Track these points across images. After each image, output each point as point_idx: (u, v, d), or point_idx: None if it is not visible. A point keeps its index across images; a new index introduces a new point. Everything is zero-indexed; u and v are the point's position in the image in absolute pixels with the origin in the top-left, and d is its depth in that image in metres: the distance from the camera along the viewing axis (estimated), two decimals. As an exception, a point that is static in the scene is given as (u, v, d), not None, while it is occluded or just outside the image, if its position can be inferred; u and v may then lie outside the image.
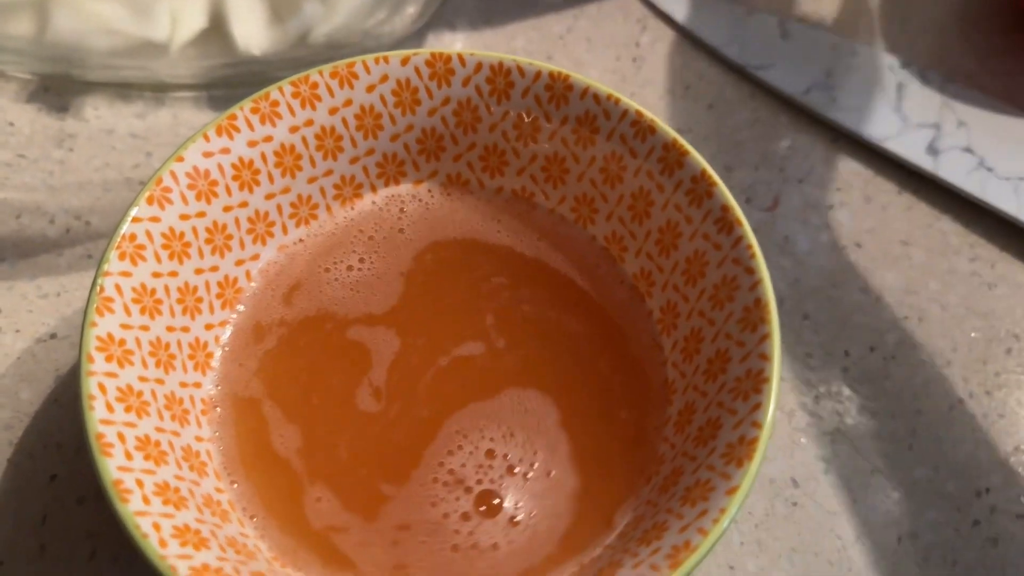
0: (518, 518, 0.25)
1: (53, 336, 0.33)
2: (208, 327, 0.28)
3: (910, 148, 0.38)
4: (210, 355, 0.28)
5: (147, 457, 0.23)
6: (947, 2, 0.44)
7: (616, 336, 0.29)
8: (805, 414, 0.32)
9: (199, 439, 0.26)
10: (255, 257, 0.29)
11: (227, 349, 0.28)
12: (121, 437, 0.23)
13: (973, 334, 0.34)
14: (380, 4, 0.39)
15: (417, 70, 0.29)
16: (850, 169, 0.38)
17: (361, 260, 0.30)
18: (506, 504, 0.26)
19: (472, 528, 0.25)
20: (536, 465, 0.26)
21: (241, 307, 0.29)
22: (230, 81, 0.39)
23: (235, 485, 0.26)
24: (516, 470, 0.26)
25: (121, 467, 0.22)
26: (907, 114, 0.39)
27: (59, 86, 0.39)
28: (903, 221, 0.37)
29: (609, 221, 0.30)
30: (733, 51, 0.41)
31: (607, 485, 0.26)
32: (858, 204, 0.37)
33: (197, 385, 0.27)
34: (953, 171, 0.37)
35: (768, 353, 0.24)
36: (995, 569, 0.30)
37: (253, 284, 0.29)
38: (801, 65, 0.40)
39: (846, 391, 0.33)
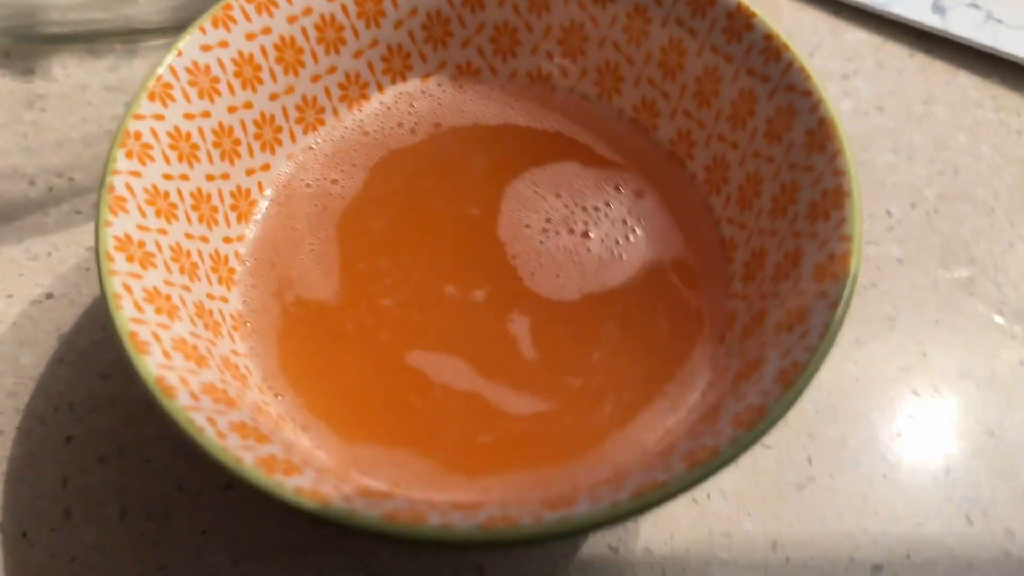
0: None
1: (49, 296, 0.31)
2: (227, 240, 0.26)
3: (915, 10, 0.37)
4: (232, 271, 0.25)
5: (187, 358, 0.21)
6: None
7: (658, 212, 0.27)
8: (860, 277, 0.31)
9: (235, 353, 0.24)
10: (266, 167, 0.27)
11: (248, 264, 0.26)
12: (156, 337, 0.20)
13: (1012, 180, 0.33)
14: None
15: (417, -56, 0.27)
16: (858, 39, 0.37)
17: (373, 167, 0.28)
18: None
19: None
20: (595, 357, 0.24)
21: (257, 218, 0.27)
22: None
23: (280, 398, 0.24)
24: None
25: (161, 365, 0.20)
26: (906, -21, 0.38)
27: (22, 51, 0.36)
28: (920, 82, 0.36)
29: (637, 86, 0.28)
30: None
31: (672, 370, 0.24)
32: (872, 71, 0.36)
33: (224, 300, 0.25)
34: (963, 27, 0.36)
35: (843, 168, 0.22)
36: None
37: (266, 198, 0.27)
38: (791, -55, 0.39)
39: (895, 250, 0.31)
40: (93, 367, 0.29)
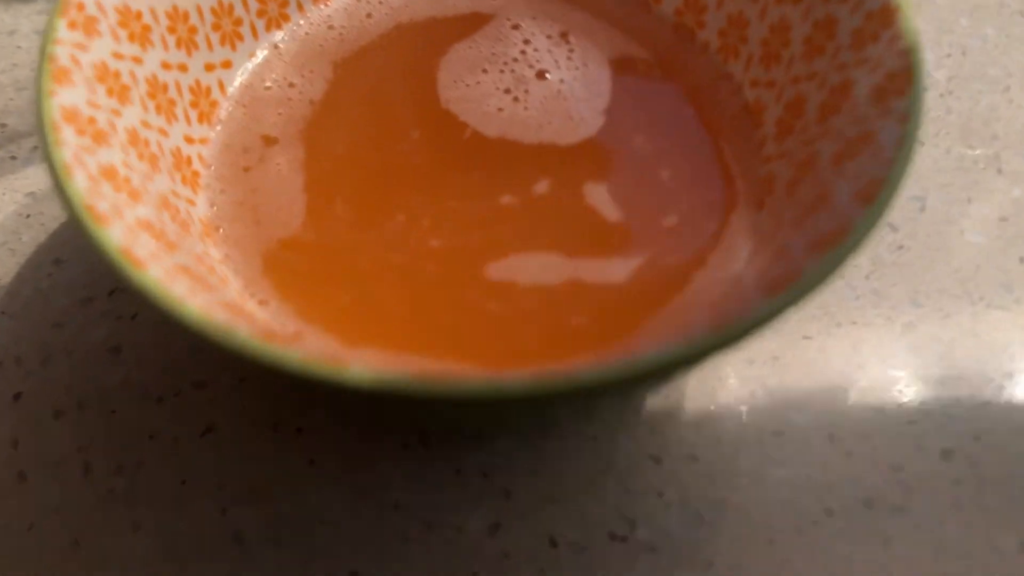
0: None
1: (-16, 245, 0.27)
2: (188, 140, 0.22)
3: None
4: (196, 173, 0.22)
5: (156, 238, 0.18)
6: None
7: (670, 92, 0.24)
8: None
9: (208, 256, 0.20)
10: (226, 64, 0.24)
11: (214, 169, 0.23)
12: (117, 211, 0.17)
13: (1022, 59, 0.31)
14: None
15: None
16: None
17: (339, 66, 0.25)
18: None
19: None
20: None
21: (221, 120, 0.23)
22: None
23: (265, 306, 0.20)
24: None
25: (126, 236, 0.16)
26: None
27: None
28: (913, -28, 0.34)
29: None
30: None
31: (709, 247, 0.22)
32: (861, -34, 0.34)
33: (191, 202, 0.21)
34: (950, -87, 0.34)
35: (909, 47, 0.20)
36: None
37: (229, 98, 0.24)
38: None
39: (913, 133, 0.29)
40: (42, 317, 0.26)
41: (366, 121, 0.24)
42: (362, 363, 0.15)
